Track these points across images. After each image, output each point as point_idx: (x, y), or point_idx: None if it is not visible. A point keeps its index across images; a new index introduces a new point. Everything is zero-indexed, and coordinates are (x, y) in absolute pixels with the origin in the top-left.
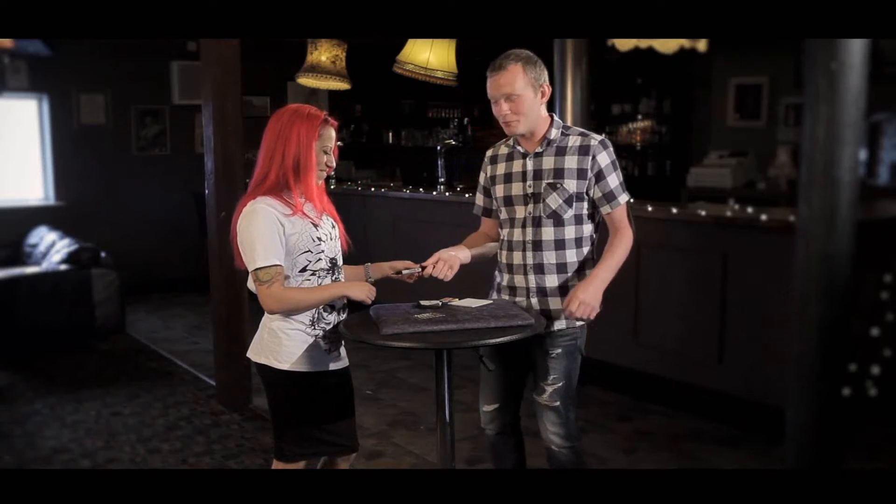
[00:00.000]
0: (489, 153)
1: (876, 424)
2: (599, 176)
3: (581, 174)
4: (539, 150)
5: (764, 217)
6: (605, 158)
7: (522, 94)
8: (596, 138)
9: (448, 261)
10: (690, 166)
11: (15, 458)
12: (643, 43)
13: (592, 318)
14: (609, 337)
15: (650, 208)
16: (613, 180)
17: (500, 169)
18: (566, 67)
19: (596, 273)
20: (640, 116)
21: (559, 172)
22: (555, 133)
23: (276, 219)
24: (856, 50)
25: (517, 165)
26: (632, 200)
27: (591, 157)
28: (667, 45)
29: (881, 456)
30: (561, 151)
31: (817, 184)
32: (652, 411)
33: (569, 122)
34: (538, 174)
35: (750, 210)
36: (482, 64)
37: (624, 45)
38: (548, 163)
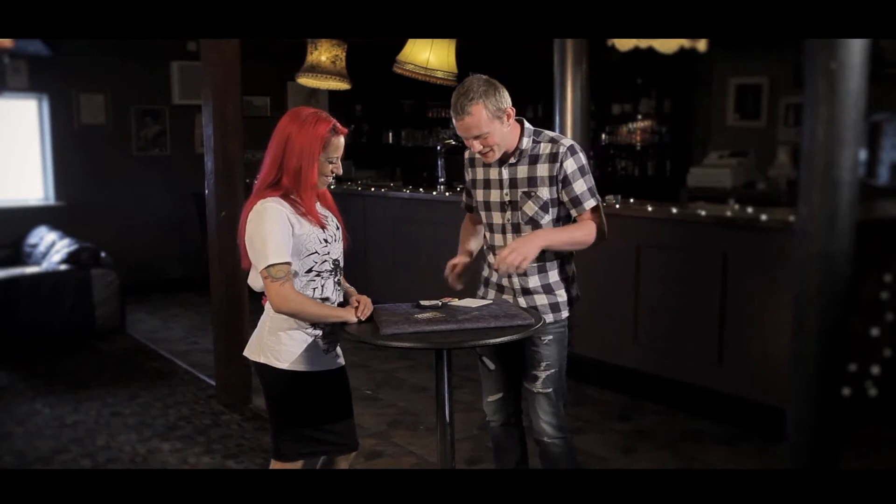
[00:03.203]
0: (467, 154)
1: (876, 424)
2: (566, 182)
3: (552, 181)
4: (513, 160)
5: (764, 217)
6: (571, 165)
7: (490, 129)
8: (564, 144)
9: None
10: (690, 166)
11: (15, 458)
12: (643, 43)
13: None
14: (608, 337)
15: (650, 208)
16: (580, 186)
17: (479, 174)
18: (566, 67)
19: (541, 230)
20: (640, 116)
21: (532, 181)
22: (526, 142)
23: (286, 217)
24: (856, 50)
25: (494, 173)
26: (604, 203)
27: (559, 164)
28: (667, 45)
29: (881, 456)
30: (534, 160)
31: (817, 184)
32: (651, 411)
33: (568, 122)
34: (513, 182)
35: (750, 210)
36: (482, 64)
37: (624, 45)
38: (522, 171)
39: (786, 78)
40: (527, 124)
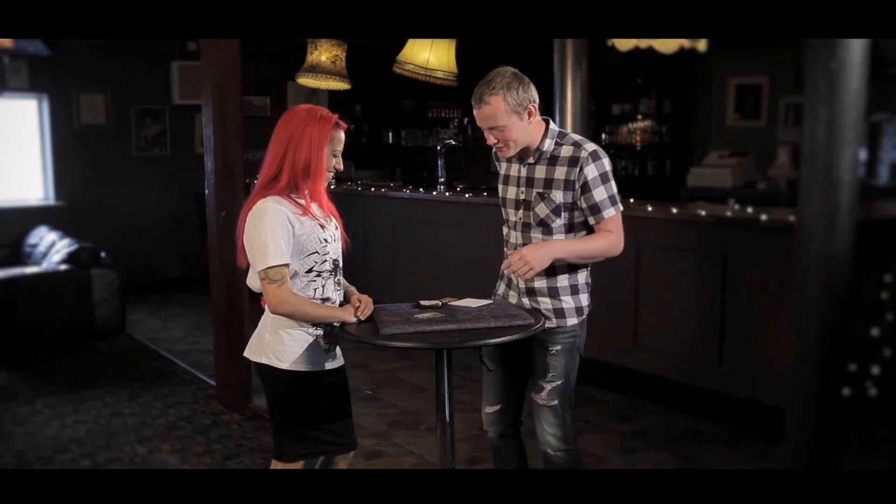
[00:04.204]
0: (494, 149)
1: (876, 424)
2: (585, 188)
3: (568, 185)
4: (531, 160)
5: (764, 217)
6: (592, 171)
7: (507, 123)
8: (587, 150)
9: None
10: (690, 166)
11: (15, 458)
12: (643, 43)
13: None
14: (608, 337)
15: (650, 208)
16: (600, 193)
17: (503, 168)
18: (566, 67)
19: (556, 241)
20: (640, 116)
21: (549, 183)
22: (548, 144)
23: (286, 218)
24: (856, 50)
25: (514, 169)
26: (622, 209)
27: (578, 169)
28: (667, 45)
29: (881, 456)
30: (552, 161)
31: (817, 184)
32: (651, 411)
33: (569, 122)
34: (530, 182)
35: (750, 210)
36: (482, 64)
37: (624, 45)
38: (539, 172)
39: (786, 78)
40: (552, 125)
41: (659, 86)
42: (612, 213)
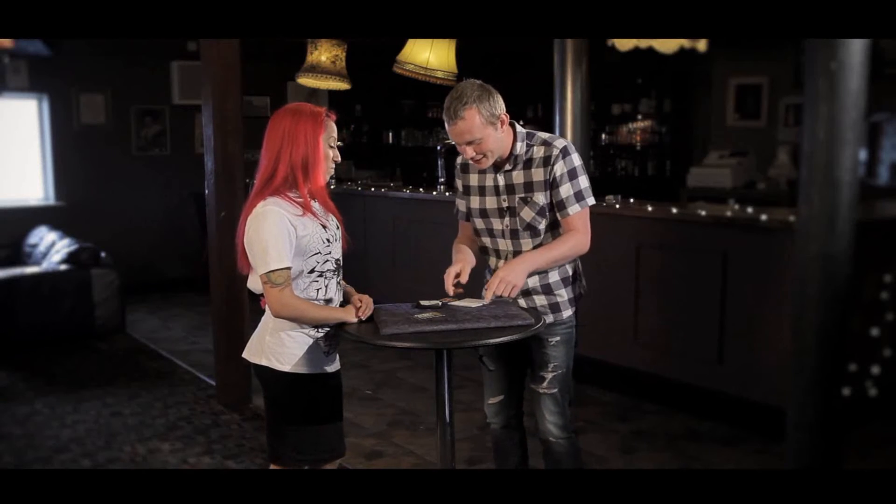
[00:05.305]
0: (459, 160)
1: (876, 424)
2: (554, 184)
3: (546, 185)
4: (508, 167)
5: (764, 217)
6: (561, 167)
7: (482, 135)
8: (557, 146)
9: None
10: (690, 166)
11: (15, 458)
12: (643, 43)
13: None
14: (608, 337)
15: (650, 208)
16: (566, 190)
17: (473, 180)
18: (566, 67)
19: (526, 255)
20: (640, 116)
21: (529, 186)
22: (520, 147)
23: (287, 221)
24: (856, 50)
25: (489, 179)
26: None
27: (550, 167)
28: (667, 45)
29: (882, 456)
30: (528, 164)
31: (817, 184)
32: (651, 411)
33: (568, 122)
34: (510, 188)
35: (750, 210)
36: (482, 64)
37: (624, 45)
38: (518, 177)
39: (786, 78)
40: (519, 128)
41: (659, 86)
42: (577, 210)
